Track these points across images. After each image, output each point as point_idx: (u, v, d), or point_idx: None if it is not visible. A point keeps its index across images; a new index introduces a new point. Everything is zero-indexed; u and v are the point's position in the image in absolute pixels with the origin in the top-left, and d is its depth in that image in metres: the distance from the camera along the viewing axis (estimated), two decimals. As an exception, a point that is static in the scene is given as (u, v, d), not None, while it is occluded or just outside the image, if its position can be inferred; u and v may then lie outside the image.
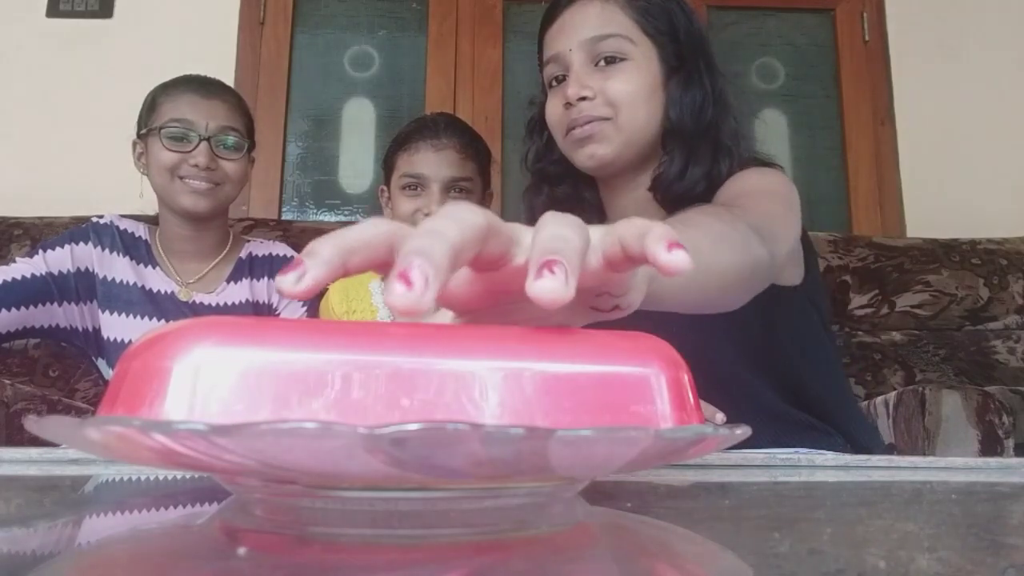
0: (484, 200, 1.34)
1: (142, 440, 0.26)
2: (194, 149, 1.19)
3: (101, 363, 1.27)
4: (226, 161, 1.22)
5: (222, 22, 2.19)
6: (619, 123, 0.98)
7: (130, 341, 1.19)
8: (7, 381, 1.31)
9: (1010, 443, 1.15)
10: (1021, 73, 2.26)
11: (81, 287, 1.22)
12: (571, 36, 1.01)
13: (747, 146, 1.03)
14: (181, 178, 1.20)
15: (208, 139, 1.20)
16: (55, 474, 0.53)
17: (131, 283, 1.24)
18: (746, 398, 0.97)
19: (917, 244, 1.82)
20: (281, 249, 1.36)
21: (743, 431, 0.32)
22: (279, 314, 1.30)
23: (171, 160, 1.20)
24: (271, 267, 1.32)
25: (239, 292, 1.29)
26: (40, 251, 1.23)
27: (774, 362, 1.01)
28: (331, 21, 2.28)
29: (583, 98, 0.98)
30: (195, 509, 0.41)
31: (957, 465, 0.68)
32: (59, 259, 1.22)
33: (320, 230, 1.74)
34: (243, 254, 1.32)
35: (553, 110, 1.03)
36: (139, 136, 1.26)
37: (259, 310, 1.29)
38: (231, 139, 1.22)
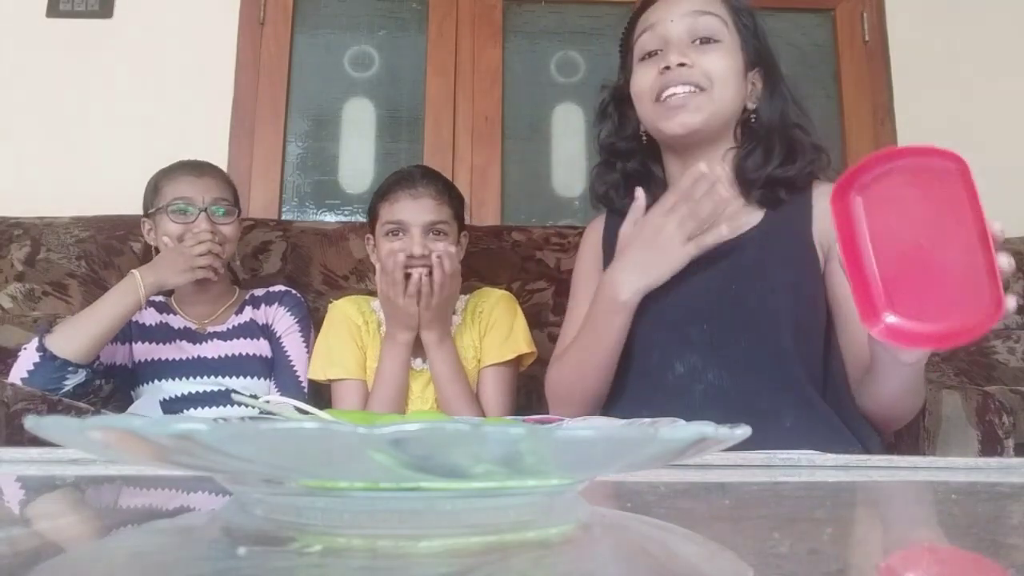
0: (460, 241, 1.46)
1: (142, 440, 0.26)
2: (195, 219, 1.43)
3: (133, 394, 1.49)
4: (222, 225, 1.46)
5: (222, 22, 2.19)
6: (712, 95, 1.06)
7: (156, 360, 1.47)
8: (7, 381, 1.31)
9: (1010, 443, 1.15)
10: (1021, 73, 2.26)
11: (122, 331, 1.43)
12: (674, 9, 1.09)
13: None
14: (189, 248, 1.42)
15: (205, 209, 1.44)
16: (55, 474, 0.53)
17: (157, 323, 1.51)
18: (789, 388, 1.00)
19: (917, 244, 1.82)
20: (278, 286, 1.59)
21: (743, 431, 0.32)
22: (278, 335, 1.51)
23: (178, 231, 1.44)
24: (268, 299, 1.56)
25: (244, 318, 1.53)
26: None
27: (816, 351, 1.05)
28: (331, 21, 2.28)
29: (682, 64, 1.05)
30: (195, 509, 0.41)
31: (957, 465, 0.68)
32: None
33: (320, 230, 1.74)
34: (247, 297, 1.56)
35: (644, 79, 1.10)
36: (147, 215, 1.49)
37: (264, 330, 1.53)
38: (223, 207, 1.46)
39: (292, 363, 1.49)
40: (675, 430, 0.29)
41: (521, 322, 1.46)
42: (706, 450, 0.33)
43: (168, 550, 0.29)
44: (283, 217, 2.09)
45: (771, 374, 1.01)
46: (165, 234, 1.45)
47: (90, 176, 2.01)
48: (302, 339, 1.51)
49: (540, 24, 2.27)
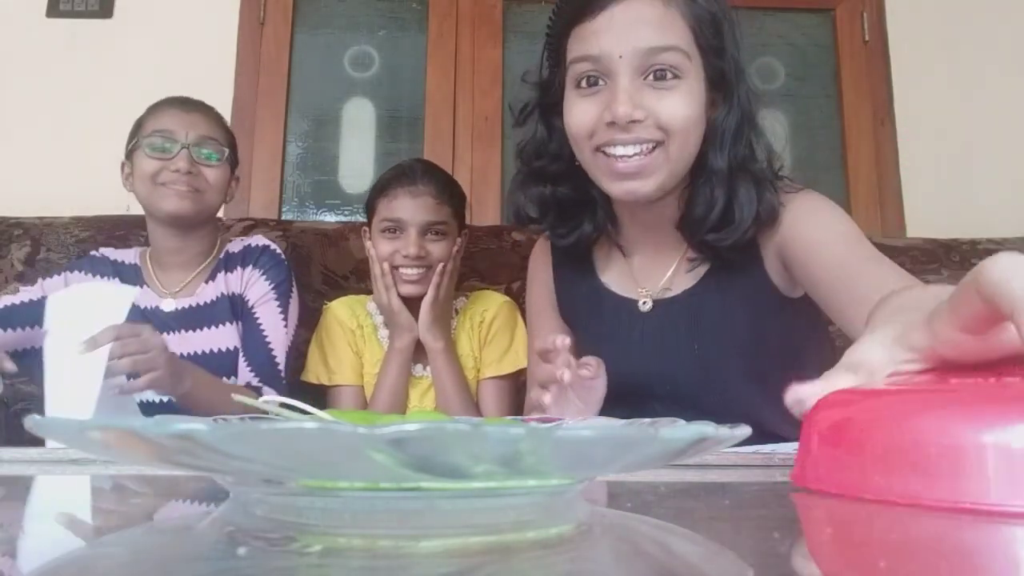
0: (460, 235, 1.40)
1: (142, 440, 0.26)
2: (175, 156, 1.25)
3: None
4: (206, 168, 1.27)
5: (222, 22, 2.19)
6: (669, 151, 0.87)
7: None
8: (7, 381, 1.31)
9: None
10: (1021, 72, 2.26)
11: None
12: (623, 39, 0.86)
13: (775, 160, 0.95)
14: (163, 184, 1.25)
15: (188, 147, 1.25)
16: (55, 474, 0.53)
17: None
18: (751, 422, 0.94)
19: (917, 244, 1.82)
20: (257, 240, 1.39)
21: (742, 431, 0.32)
22: (250, 304, 1.33)
23: (154, 167, 1.25)
24: (244, 258, 1.36)
25: (213, 290, 1.34)
26: (40, 279, 1.35)
27: (781, 374, 0.98)
28: (331, 21, 2.28)
29: (633, 120, 0.85)
30: (195, 509, 0.41)
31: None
32: (54, 285, 1.32)
33: (320, 230, 1.74)
34: (221, 255, 1.38)
35: (583, 117, 0.89)
36: (127, 156, 1.32)
37: (233, 302, 1.33)
38: (210, 147, 1.28)
39: (266, 338, 1.30)
40: (675, 430, 0.29)
41: (521, 333, 1.42)
42: (706, 450, 0.33)
43: (168, 550, 0.29)
44: (283, 217, 2.09)
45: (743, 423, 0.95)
46: (141, 172, 1.25)
47: (90, 176, 2.00)
48: (279, 309, 1.32)
49: (540, 24, 2.24)
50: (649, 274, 1.01)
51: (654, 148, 0.88)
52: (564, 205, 1.00)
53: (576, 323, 1.06)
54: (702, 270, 0.99)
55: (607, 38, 0.87)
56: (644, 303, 1.00)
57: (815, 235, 0.90)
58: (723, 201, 0.91)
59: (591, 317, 1.03)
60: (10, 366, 1.09)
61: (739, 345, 0.96)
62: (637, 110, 0.85)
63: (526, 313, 1.21)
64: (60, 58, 2.13)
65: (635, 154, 0.87)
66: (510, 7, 2.28)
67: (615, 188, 0.90)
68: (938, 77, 2.24)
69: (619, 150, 0.87)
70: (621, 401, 0.97)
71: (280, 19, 2.23)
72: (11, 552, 0.28)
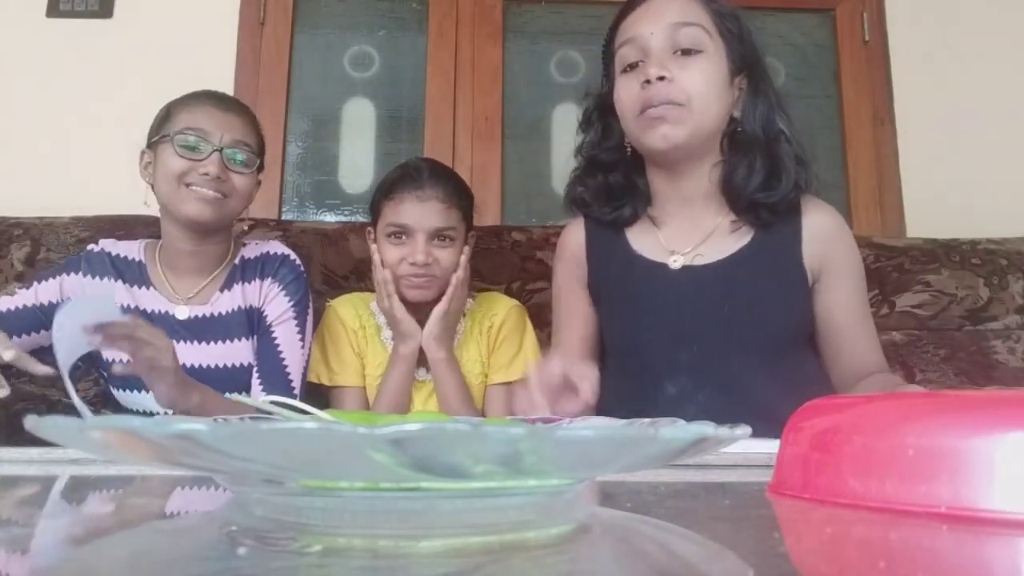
0: (467, 241, 1.36)
1: (142, 440, 0.26)
2: (206, 158, 1.19)
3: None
4: (235, 174, 1.22)
5: (222, 22, 2.19)
6: (692, 110, 1.04)
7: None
8: (7, 381, 1.31)
9: (1010, 443, 1.15)
10: (1021, 73, 2.26)
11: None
12: (654, 21, 1.06)
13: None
14: (188, 185, 1.20)
15: (220, 150, 1.20)
16: (55, 474, 0.53)
17: (126, 306, 1.25)
18: (780, 408, 1.01)
19: (917, 244, 1.82)
20: (275, 247, 1.34)
21: (743, 431, 0.33)
22: (268, 322, 1.28)
23: (181, 167, 1.19)
24: (263, 267, 1.31)
25: (231, 300, 1.29)
26: (35, 282, 1.28)
27: (804, 368, 1.07)
28: (331, 21, 2.28)
29: (662, 78, 1.03)
30: (195, 509, 0.41)
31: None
32: (48, 290, 1.26)
33: (320, 230, 1.74)
34: (236, 260, 1.32)
35: (627, 91, 1.08)
36: (149, 145, 1.26)
37: (250, 316, 1.29)
38: (243, 153, 1.22)
39: (283, 360, 1.26)
40: (675, 430, 0.29)
41: (531, 339, 1.41)
42: (706, 450, 0.33)
43: (168, 550, 0.29)
44: (283, 217, 2.09)
45: (762, 395, 1.01)
46: (166, 169, 1.20)
47: (90, 176, 2.00)
48: (297, 328, 1.28)
49: (540, 24, 2.27)
50: (681, 241, 1.12)
51: (680, 107, 1.04)
52: (613, 190, 1.16)
53: (609, 288, 1.17)
54: (738, 241, 1.09)
55: (643, 23, 1.07)
56: (675, 260, 1.11)
57: (844, 266, 1.09)
58: (765, 168, 1.06)
59: (624, 280, 1.14)
60: (43, 369, 1.04)
61: (768, 316, 1.05)
62: (665, 70, 1.03)
63: (553, 290, 1.27)
64: (60, 58, 2.13)
65: (664, 107, 1.04)
66: (510, 7, 2.27)
67: (654, 137, 1.05)
68: (938, 77, 2.24)
69: (652, 110, 1.05)
70: (642, 367, 1.08)
71: (280, 19, 2.23)
72: (12, 552, 0.28)
